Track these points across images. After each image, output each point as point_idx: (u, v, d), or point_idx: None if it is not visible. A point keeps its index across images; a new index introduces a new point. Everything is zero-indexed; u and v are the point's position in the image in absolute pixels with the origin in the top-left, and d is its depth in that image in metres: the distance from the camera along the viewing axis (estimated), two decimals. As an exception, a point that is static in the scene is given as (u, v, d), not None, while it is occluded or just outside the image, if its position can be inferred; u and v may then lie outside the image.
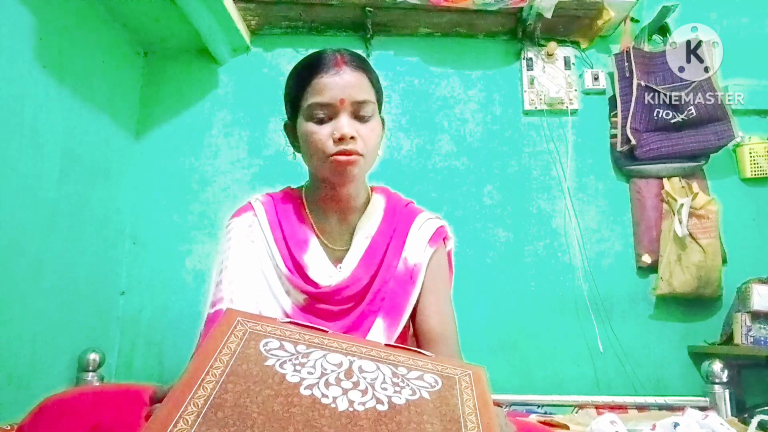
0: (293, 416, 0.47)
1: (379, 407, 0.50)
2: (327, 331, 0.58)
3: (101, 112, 1.81)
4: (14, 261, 1.40)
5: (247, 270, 0.92)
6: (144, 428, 0.47)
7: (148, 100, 2.08)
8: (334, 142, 0.88)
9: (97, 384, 1.59)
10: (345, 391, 0.51)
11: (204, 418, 0.46)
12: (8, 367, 1.39)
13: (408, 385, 0.53)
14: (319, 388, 0.50)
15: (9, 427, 1.11)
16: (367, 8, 2.01)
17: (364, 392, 0.51)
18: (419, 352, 0.59)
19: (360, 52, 2.08)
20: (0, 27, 1.35)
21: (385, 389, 0.52)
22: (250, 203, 1.00)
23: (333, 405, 0.49)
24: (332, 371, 0.52)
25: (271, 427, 0.46)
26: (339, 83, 0.88)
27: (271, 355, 0.53)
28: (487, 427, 0.50)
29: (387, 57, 2.16)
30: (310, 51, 0.97)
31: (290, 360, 0.53)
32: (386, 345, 0.58)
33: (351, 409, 0.49)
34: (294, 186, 1.06)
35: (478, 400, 0.54)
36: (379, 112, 0.97)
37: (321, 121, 0.89)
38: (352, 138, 0.87)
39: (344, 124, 0.88)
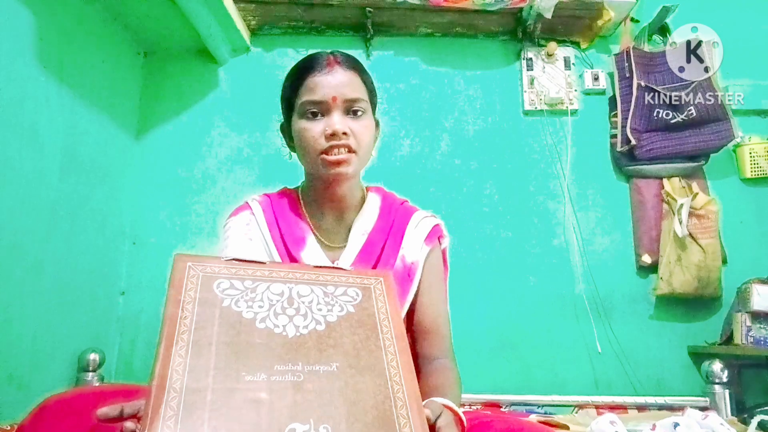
0: (256, 348, 0.58)
1: (318, 327, 0.62)
2: (265, 263, 0.70)
3: (101, 112, 1.81)
4: (14, 261, 1.40)
5: None
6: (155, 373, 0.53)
7: (148, 100, 2.09)
8: (326, 138, 0.89)
9: (97, 384, 1.59)
10: (290, 318, 0.62)
11: (190, 368, 0.55)
12: (8, 367, 1.39)
13: (337, 302, 0.66)
14: (270, 319, 0.61)
15: (9, 427, 1.11)
16: (367, 8, 2.01)
17: (305, 316, 0.63)
18: (340, 269, 0.73)
19: (360, 52, 2.13)
20: (0, 27, 1.35)
21: (320, 310, 0.64)
22: (247, 203, 1.02)
23: (284, 333, 0.61)
24: (277, 301, 0.64)
25: (240, 359, 0.57)
26: (331, 82, 0.90)
27: (226, 295, 0.63)
28: (398, 330, 0.66)
29: (387, 57, 2.16)
30: (310, 51, 0.98)
31: (242, 297, 0.63)
32: (314, 267, 0.71)
33: (298, 333, 0.61)
34: (290, 186, 1.06)
35: (389, 306, 0.68)
36: (373, 114, 0.98)
37: (314, 118, 0.91)
38: (344, 134, 0.89)
39: (336, 120, 0.89)
